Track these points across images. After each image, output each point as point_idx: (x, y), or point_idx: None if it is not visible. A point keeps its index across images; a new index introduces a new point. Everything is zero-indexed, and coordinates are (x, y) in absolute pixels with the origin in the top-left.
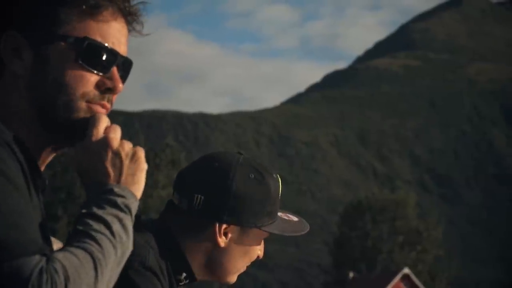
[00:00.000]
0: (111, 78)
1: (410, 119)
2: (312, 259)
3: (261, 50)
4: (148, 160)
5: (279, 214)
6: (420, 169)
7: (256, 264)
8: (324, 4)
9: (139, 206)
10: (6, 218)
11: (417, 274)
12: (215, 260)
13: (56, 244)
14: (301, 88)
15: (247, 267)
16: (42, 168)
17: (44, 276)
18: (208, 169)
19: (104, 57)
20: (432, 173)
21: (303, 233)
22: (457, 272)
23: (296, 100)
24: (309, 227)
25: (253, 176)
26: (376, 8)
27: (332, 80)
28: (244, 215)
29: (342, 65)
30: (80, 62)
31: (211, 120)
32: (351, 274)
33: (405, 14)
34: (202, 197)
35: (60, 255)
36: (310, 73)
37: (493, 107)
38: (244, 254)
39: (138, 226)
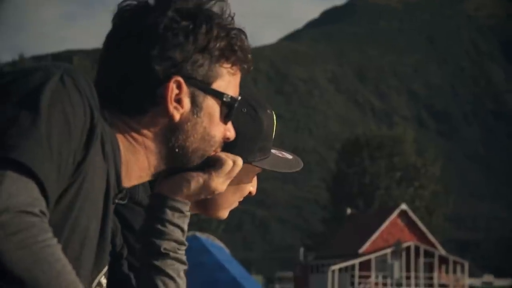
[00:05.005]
0: (229, 129)
1: (408, 55)
2: (310, 195)
3: None
4: None
5: (274, 151)
6: (418, 105)
7: (254, 201)
8: None
9: None
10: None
11: (415, 210)
12: None
13: None
14: (299, 24)
15: (245, 204)
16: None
17: None
18: None
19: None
20: (430, 109)
21: (296, 170)
22: (454, 207)
23: (294, 36)
24: (302, 165)
25: (245, 110)
26: None
27: (330, 16)
28: (236, 149)
29: (340, 1)
30: (228, 118)
31: None
32: (348, 210)
33: None
34: None
35: None
36: (308, 9)
37: (491, 43)
38: (236, 189)
39: None
